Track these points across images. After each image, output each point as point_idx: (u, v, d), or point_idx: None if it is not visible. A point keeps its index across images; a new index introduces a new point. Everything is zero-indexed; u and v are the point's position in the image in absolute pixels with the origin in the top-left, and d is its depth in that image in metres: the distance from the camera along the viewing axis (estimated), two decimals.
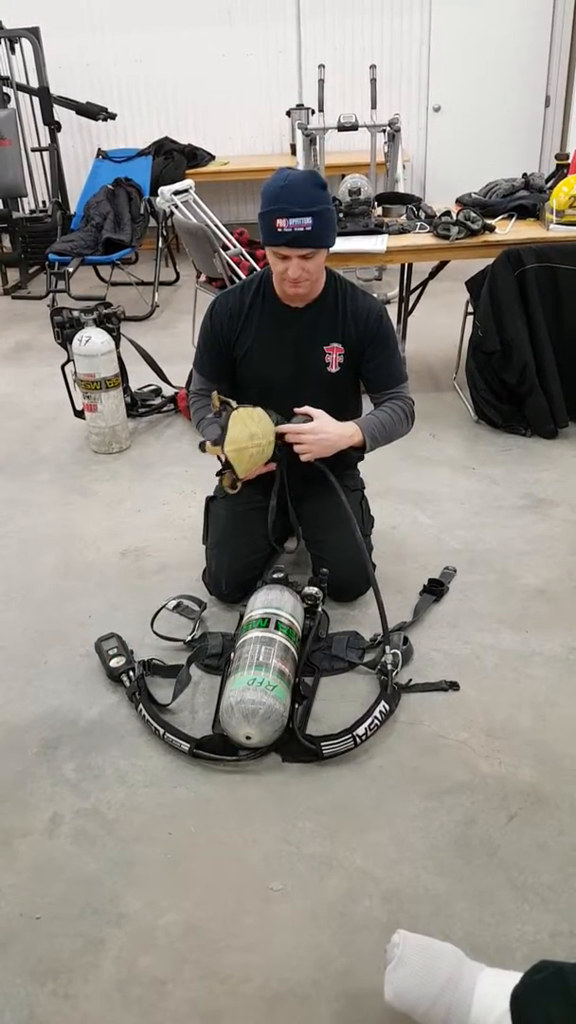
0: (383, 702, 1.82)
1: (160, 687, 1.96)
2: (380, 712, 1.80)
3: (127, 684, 1.95)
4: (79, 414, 3.29)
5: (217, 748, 1.75)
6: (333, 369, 2.12)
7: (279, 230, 1.84)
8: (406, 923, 1.40)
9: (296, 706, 1.83)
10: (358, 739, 1.75)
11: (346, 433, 2.01)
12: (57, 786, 1.73)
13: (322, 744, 1.74)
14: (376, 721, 1.79)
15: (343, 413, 2.14)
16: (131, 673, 1.96)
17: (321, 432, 1.97)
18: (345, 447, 2.01)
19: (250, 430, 1.91)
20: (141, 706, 1.87)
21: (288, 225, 1.83)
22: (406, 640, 2.04)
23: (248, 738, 1.71)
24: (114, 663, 2.00)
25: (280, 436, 1.97)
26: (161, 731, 1.80)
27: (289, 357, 2.10)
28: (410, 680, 1.95)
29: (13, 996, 1.34)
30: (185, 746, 1.75)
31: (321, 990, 1.33)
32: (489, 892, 1.47)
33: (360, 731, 1.76)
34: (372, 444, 2.06)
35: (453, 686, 1.93)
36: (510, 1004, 1.12)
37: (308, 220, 1.82)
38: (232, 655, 1.90)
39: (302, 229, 1.83)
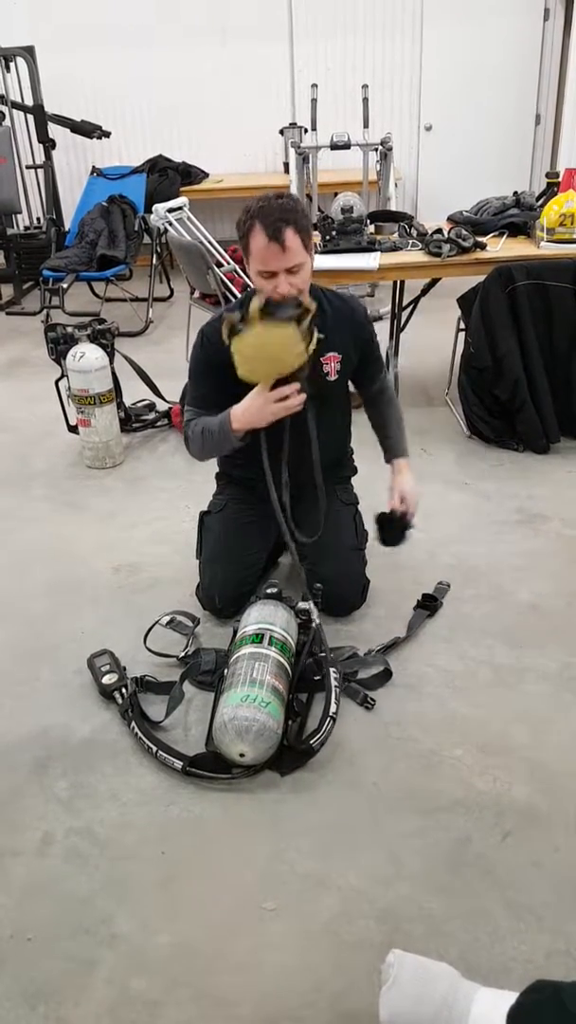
0: (331, 669, 1.89)
1: (153, 704, 1.95)
2: (335, 680, 1.87)
3: (120, 701, 1.94)
4: (73, 429, 3.29)
5: (210, 766, 1.74)
6: (332, 377, 2.12)
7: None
8: (401, 943, 1.39)
9: (290, 723, 1.82)
10: (334, 718, 1.81)
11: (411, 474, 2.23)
12: (49, 804, 1.72)
13: (311, 742, 1.75)
14: (336, 692, 1.85)
15: (342, 418, 2.16)
16: (124, 690, 1.95)
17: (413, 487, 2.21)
18: None
19: (269, 354, 1.80)
20: (134, 723, 1.86)
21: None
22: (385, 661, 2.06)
23: (242, 756, 1.70)
24: (106, 680, 1.99)
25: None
26: (154, 749, 1.79)
27: None
28: (356, 671, 2.01)
29: (3, 1019, 1.32)
30: (178, 764, 1.74)
31: (315, 1011, 1.32)
32: (484, 911, 1.46)
33: (332, 710, 1.81)
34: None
35: (366, 701, 1.93)
36: None
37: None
38: (225, 671, 1.89)
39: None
